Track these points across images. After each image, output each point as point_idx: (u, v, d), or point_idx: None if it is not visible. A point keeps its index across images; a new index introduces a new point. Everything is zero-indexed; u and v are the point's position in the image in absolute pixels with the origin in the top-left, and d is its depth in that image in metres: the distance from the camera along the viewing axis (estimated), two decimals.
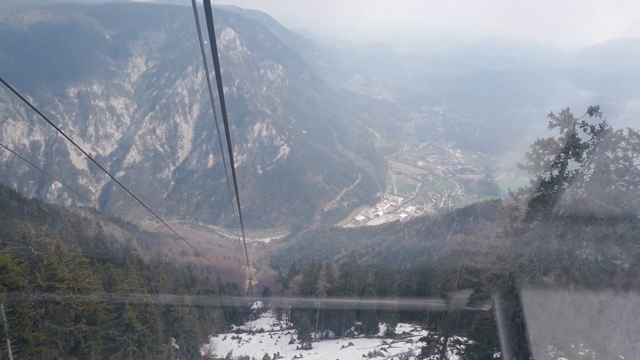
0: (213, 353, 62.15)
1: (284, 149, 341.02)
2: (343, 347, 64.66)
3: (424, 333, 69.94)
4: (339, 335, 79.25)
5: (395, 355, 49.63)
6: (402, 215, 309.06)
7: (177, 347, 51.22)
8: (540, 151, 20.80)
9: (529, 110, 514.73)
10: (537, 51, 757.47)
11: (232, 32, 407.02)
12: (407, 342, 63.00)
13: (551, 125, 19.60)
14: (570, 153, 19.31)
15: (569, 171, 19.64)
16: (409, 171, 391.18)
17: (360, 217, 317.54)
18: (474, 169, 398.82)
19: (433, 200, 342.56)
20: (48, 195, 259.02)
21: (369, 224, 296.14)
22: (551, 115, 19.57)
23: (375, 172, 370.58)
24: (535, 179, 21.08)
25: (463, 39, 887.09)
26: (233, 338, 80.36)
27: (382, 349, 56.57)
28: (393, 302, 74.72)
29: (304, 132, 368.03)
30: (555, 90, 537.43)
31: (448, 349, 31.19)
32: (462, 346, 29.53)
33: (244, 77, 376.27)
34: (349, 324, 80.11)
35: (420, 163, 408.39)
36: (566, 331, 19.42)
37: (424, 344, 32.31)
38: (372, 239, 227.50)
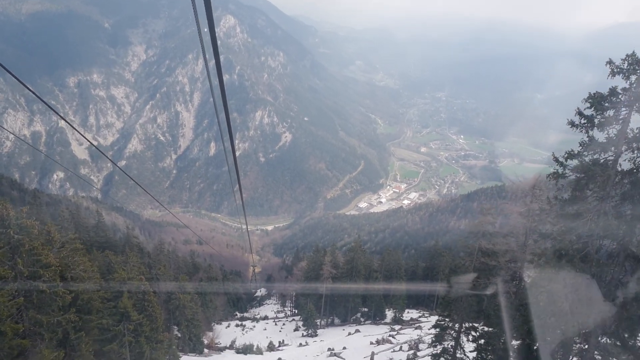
0: (216, 341, 61.32)
1: (286, 137, 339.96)
2: (349, 334, 63.53)
3: (433, 319, 66.73)
4: (344, 322, 78.15)
5: (404, 342, 48.26)
6: (405, 202, 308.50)
7: (180, 335, 51.11)
8: (598, 104, 17.27)
9: (533, 95, 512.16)
10: (540, 35, 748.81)
11: (232, 19, 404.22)
12: (416, 328, 61.23)
13: (612, 74, 16.24)
14: (636, 107, 16.12)
15: (631, 129, 16.50)
16: (412, 157, 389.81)
17: (363, 204, 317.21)
18: (477, 154, 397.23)
19: (436, 186, 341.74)
20: (50, 185, 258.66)
21: (371, 210, 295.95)
22: (610, 62, 16.30)
23: (378, 158, 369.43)
24: (588, 140, 17.89)
25: (466, 23, 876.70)
26: (237, 326, 79.60)
27: (390, 335, 55.13)
28: (400, 288, 73.16)
29: (305, 119, 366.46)
30: (559, 74, 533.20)
31: (462, 335, 29.86)
32: (477, 333, 28.56)
33: (244, 64, 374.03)
34: (355, 311, 79.03)
35: (423, 149, 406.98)
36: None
37: (437, 330, 30.82)
38: (375, 225, 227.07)
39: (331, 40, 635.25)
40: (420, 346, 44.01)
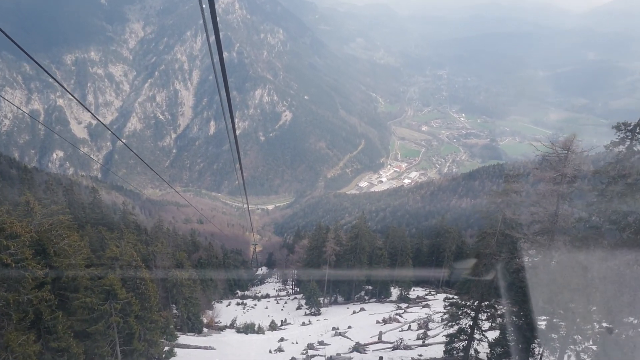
0: (216, 320, 59.54)
1: (286, 115, 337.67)
2: (354, 312, 62.07)
3: (440, 297, 65.53)
4: (348, 300, 76.61)
5: (413, 321, 46.51)
6: (406, 181, 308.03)
7: (178, 314, 49.47)
8: None
9: (535, 72, 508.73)
10: (543, 12, 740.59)
11: None
12: (424, 306, 59.87)
13: None
14: None
15: None
16: (413, 136, 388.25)
17: (363, 183, 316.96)
18: (478, 133, 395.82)
19: (437, 165, 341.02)
20: (50, 164, 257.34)
21: (372, 190, 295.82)
22: None
23: (379, 137, 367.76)
24: None
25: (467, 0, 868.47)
26: (238, 304, 78.22)
27: (396, 314, 53.38)
28: (406, 266, 71.53)
29: (306, 97, 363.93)
30: (561, 52, 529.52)
31: (481, 314, 27.70)
32: (497, 311, 26.69)
33: (243, 41, 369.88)
34: (359, 289, 77.20)
35: (424, 128, 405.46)
36: None
37: (453, 309, 28.70)
38: (376, 204, 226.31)
39: (331, 17, 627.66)
40: (430, 325, 42.04)
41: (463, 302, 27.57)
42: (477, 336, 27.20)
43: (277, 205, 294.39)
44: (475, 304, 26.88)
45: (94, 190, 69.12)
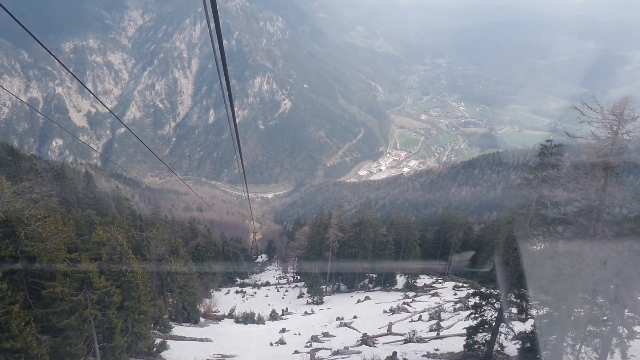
0: (214, 309, 56.90)
1: (286, 104, 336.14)
2: (359, 301, 59.58)
3: (448, 285, 63.73)
4: (351, 288, 74.32)
5: (423, 311, 43.78)
6: (405, 169, 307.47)
7: (174, 302, 47.01)
8: None
9: (534, 61, 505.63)
10: (542, 1, 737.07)
11: None
12: (432, 295, 56.87)
13: None
14: None
15: None
16: (412, 125, 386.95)
17: (363, 172, 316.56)
18: (477, 122, 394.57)
19: (436, 154, 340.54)
20: (49, 152, 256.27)
21: (371, 178, 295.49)
22: None
23: (378, 126, 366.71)
24: None
25: None
26: (237, 292, 76.47)
27: (404, 303, 50.69)
28: (413, 253, 68.45)
29: (305, 86, 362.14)
30: (561, 41, 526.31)
31: (508, 305, 24.37)
32: (529, 303, 23.05)
33: (242, 29, 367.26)
34: (363, 277, 75.22)
35: (423, 117, 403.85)
36: None
37: (476, 299, 25.31)
38: (376, 192, 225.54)
39: (331, 5, 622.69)
40: (443, 315, 39.40)
41: (488, 292, 24.57)
42: (503, 329, 24.35)
43: (276, 193, 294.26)
44: (502, 294, 23.88)
45: (88, 175, 66.54)
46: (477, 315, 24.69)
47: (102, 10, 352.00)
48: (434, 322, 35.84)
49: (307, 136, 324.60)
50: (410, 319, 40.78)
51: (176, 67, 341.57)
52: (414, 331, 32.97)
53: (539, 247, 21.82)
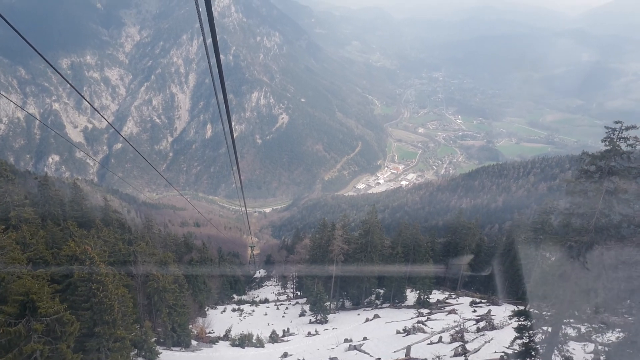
0: (209, 330, 52.68)
1: (283, 118, 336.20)
2: (367, 320, 53.91)
3: (464, 301, 58.15)
4: (357, 305, 69.39)
5: (442, 331, 37.97)
6: (403, 182, 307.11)
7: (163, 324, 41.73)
8: None
9: (530, 74, 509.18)
10: (538, 14, 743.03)
11: None
12: (449, 313, 50.08)
13: None
14: None
15: None
16: (410, 138, 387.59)
17: (361, 185, 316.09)
18: (474, 135, 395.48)
19: (434, 167, 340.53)
20: (45, 168, 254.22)
21: (370, 192, 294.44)
22: None
23: (376, 139, 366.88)
24: None
25: (463, 2, 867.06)
26: (234, 310, 72.48)
27: (419, 322, 44.78)
28: (425, 265, 61.48)
29: (302, 100, 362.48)
30: (556, 53, 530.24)
31: (564, 328, 19.72)
32: (594, 324, 18.67)
33: (240, 44, 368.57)
34: (369, 292, 69.61)
35: (420, 130, 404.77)
36: None
37: (520, 320, 20.76)
38: (375, 206, 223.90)
39: (327, 20, 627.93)
40: (466, 336, 33.85)
41: (537, 313, 20.08)
42: (557, 358, 19.67)
43: (274, 208, 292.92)
44: (554, 316, 19.82)
45: (76, 186, 63.07)
46: (523, 338, 20.78)
47: (99, 27, 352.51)
48: (457, 344, 31.61)
49: (305, 150, 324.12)
50: (429, 341, 35.73)
51: (173, 82, 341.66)
52: (439, 357, 28.19)
53: (607, 255, 17.95)
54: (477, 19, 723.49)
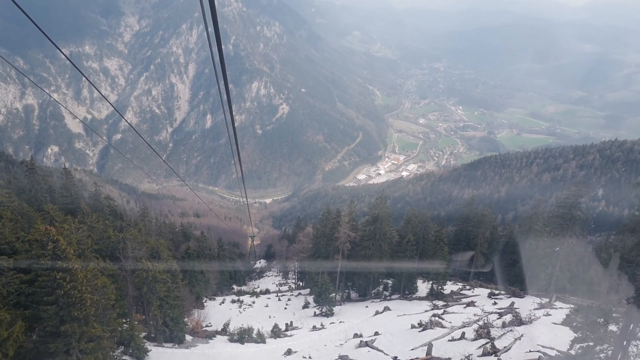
0: (205, 323, 49.43)
1: (283, 108, 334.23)
2: (377, 312, 49.87)
3: (481, 292, 54.51)
4: (364, 296, 65.63)
5: (463, 326, 32.65)
6: (404, 173, 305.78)
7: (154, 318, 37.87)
8: None
9: (532, 65, 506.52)
10: (540, 5, 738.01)
11: None
12: (468, 305, 45.35)
13: None
14: None
15: None
16: (410, 129, 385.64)
17: (361, 176, 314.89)
18: (476, 125, 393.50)
19: (435, 158, 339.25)
20: (44, 159, 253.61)
21: (370, 182, 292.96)
22: None
23: (376, 130, 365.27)
24: None
25: None
26: (233, 301, 69.38)
27: (434, 315, 39.59)
28: (439, 255, 57.40)
29: (303, 90, 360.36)
30: (558, 44, 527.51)
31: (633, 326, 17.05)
32: None
33: (239, 34, 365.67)
34: (377, 283, 65.63)
35: (421, 121, 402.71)
36: None
37: (580, 317, 18.39)
38: (375, 196, 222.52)
39: (328, 10, 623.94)
40: (492, 332, 28.94)
41: (605, 307, 17.26)
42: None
43: (274, 198, 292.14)
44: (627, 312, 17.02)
45: (66, 172, 59.76)
46: (587, 340, 17.80)
47: (98, 16, 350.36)
48: (483, 341, 27.52)
49: (305, 140, 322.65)
50: (449, 337, 30.98)
51: (173, 72, 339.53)
52: (467, 357, 23.96)
53: None
54: (478, 10, 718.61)
